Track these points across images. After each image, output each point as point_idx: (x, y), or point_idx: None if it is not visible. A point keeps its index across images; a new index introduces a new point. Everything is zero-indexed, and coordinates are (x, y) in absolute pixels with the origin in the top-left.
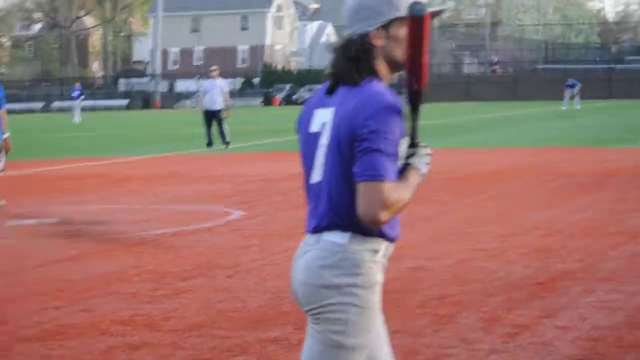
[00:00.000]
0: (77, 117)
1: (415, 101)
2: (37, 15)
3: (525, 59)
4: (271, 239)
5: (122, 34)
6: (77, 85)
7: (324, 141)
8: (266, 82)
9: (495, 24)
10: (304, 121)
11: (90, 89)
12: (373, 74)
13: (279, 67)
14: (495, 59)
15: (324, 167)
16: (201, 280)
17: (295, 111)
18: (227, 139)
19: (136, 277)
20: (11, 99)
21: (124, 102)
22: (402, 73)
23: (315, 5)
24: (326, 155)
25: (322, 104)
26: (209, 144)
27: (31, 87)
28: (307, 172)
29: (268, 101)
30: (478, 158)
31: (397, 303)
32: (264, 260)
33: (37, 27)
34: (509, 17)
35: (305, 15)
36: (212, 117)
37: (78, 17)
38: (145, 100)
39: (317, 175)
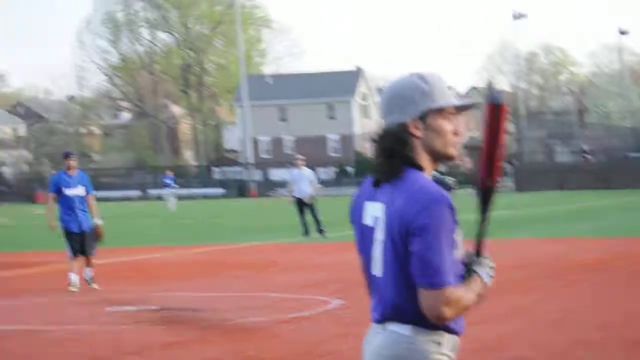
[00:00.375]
0: (172, 205)
1: (486, 199)
2: (125, 104)
3: (616, 146)
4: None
5: (211, 123)
6: (169, 173)
7: (379, 236)
8: (360, 170)
9: (581, 112)
10: (357, 212)
11: (185, 177)
12: (414, 166)
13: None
14: (585, 147)
15: (381, 262)
16: None
17: None
18: (322, 227)
19: None
20: (107, 186)
21: (220, 190)
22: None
23: None
24: (383, 252)
25: (372, 197)
26: (306, 232)
27: (126, 175)
28: (366, 263)
29: None
30: (574, 246)
31: None
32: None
33: (127, 116)
34: (595, 104)
35: None
36: (303, 205)
37: (165, 106)
38: (240, 189)
39: (376, 269)
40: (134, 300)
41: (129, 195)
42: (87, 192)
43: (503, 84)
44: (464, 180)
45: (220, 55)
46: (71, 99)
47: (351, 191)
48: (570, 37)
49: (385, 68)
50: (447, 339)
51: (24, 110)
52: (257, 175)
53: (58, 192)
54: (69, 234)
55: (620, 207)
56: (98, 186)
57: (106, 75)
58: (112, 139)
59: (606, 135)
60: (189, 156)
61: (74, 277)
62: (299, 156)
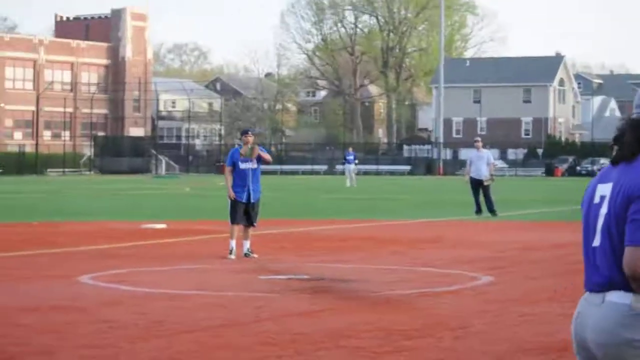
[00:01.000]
0: (351, 181)
1: None
2: (322, 82)
3: None
4: (510, 304)
5: (406, 103)
6: (351, 150)
7: (604, 210)
8: (549, 153)
9: None
10: (588, 195)
11: (375, 154)
12: None
13: (563, 139)
14: None
15: (602, 233)
16: (427, 340)
17: (575, 183)
18: (494, 207)
19: (366, 334)
20: (296, 160)
21: (407, 167)
22: None
23: (598, 81)
24: (605, 222)
25: (603, 180)
26: (478, 211)
27: (316, 150)
28: (587, 237)
29: (550, 172)
30: None
31: None
32: (495, 325)
33: (322, 93)
34: None
35: (588, 89)
36: (478, 185)
37: (362, 86)
38: (428, 167)
39: (597, 240)
40: (288, 270)
41: (317, 170)
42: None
43: None
44: None
45: (421, 39)
46: (268, 75)
47: (538, 172)
48: None
49: (586, 55)
50: None
51: (221, 86)
52: (446, 154)
53: (234, 165)
54: (236, 203)
55: None
56: (288, 160)
57: (306, 54)
58: (306, 116)
59: None
60: (381, 134)
61: (233, 244)
62: (478, 138)
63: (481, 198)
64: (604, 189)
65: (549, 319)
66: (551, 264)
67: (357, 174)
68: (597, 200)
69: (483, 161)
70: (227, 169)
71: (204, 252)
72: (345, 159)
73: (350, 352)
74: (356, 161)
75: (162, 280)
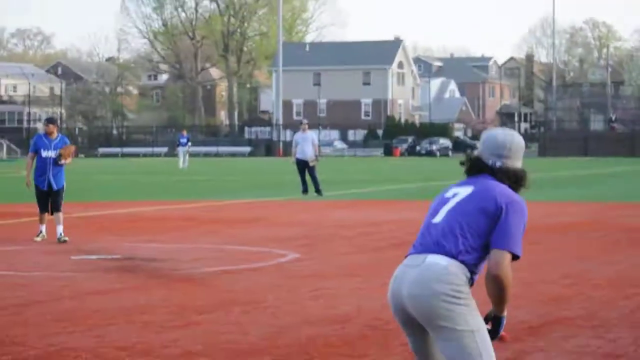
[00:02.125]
0: (183, 163)
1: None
2: (163, 66)
3: None
4: (308, 280)
5: (247, 86)
6: (184, 132)
7: (455, 200)
8: (389, 134)
9: (617, 84)
10: (442, 192)
11: (216, 136)
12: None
13: (402, 120)
14: (614, 116)
15: (447, 214)
16: (217, 315)
17: (412, 162)
18: (320, 187)
19: (160, 310)
20: (138, 143)
21: (248, 149)
22: None
23: (438, 64)
24: (453, 209)
25: (461, 185)
26: (304, 191)
27: (157, 133)
28: (431, 217)
29: (389, 152)
30: (557, 210)
31: (384, 339)
32: (288, 299)
33: (164, 77)
34: (631, 77)
35: (428, 72)
36: (304, 166)
37: (203, 69)
38: (267, 148)
39: (438, 219)
40: (101, 250)
41: (157, 152)
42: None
43: (541, 57)
44: None
45: (262, 23)
46: (109, 60)
47: (378, 152)
48: (617, 12)
49: (425, 39)
50: (470, 278)
51: (63, 70)
52: (286, 135)
53: (36, 152)
54: (38, 190)
55: (627, 174)
56: (129, 143)
57: (147, 39)
58: (148, 99)
59: (638, 106)
60: (223, 117)
61: (42, 229)
62: (304, 120)
63: (308, 178)
64: (460, 189)
65: (340, 293)
66: (361, 242)
67: (197, 155)
68: (449, 195)
69: (308, 142)
70: (30, 155)
71: (22, 235)
72: (179, 142)
73: (139, 326)
74: (189, 143)
75: None
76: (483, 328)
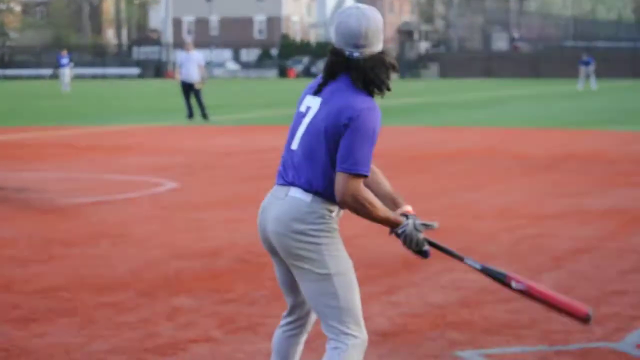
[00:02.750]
0: (66, 86)
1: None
2: None
3: (552, 35)
4: (183, 210)
5: (135, 2)
6: (64, 52)
7: (307, 120)
8: (284, 54)
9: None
10: (298, 103)
11: (103, 56)
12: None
13: (298, 39)
14: (517, 35)
15: (302, 139)
16: (83, 248)
17: (305, 84)
18: (206, 112)
19: (24, 243)
20: (20, 64)
21: (136, 70)
22: None
23: None
24: (306, 131)
25: (312, 93)
26: (189, 115)
27: (42, 54)
28: (290, 140)
29: (283, 73)
30: (452, 136)
31: (254, 274)
32: (159, 232)
33: None
34: None
35: None
36: (189, 89)
37: None
38: (157, 70)
39: (295, 144)
40: None
41: (42, 74)
42: None
43: None
44: None
45: None
46: None
47: (272, 73)
48: None
49: None
50: (336, 209)
51: None
52: (176, 56)
53: None
54: None
55: (528, 97)
56: (11, 64)
57: None
58: (31, 17)
59: (544, 24)
60: (110, 35)
61: None
62: (188, 40)
63: (194, 102)
64: (312, 102)
65: (214, 225)
66: (244, 170)
67: (83, 78)
68: (303, 109)
69: (193, 63)
70: None
71: None
72: (58, 63)
73: (1, 261)
74: (72, 64)
75: None
76: (344, 270)
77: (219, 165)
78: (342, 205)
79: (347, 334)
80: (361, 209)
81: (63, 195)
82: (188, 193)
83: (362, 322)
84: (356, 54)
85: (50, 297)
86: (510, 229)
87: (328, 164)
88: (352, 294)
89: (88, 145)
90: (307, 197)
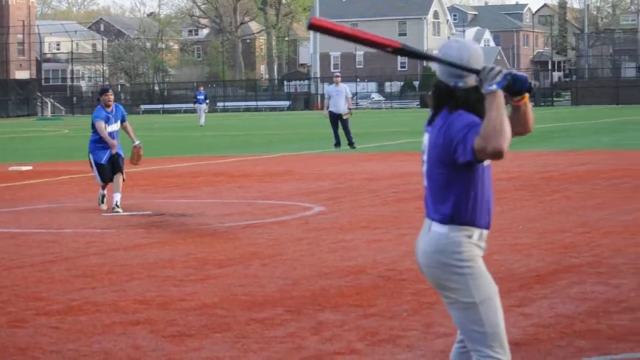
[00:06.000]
0: (202, 120)
1: (408, 52)
2: (204, 21)
3: None
4: (330, 232)
5: (286, 39)
6: (201, 89)
7: (424, 157)
8: (425, 85)
9: None
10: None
11: (256, 90)
12: None
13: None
14: None
15: (426, 176)
16: (236, 268)
17: None
18: (352, 140)
19: (181, 264)
20: (179, 99)
21: (286, 103)
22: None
23: (473, 12)
24: (427, 168)
25: (426, 130)
26: (337, 144)
27: (198, 89)
28: (424, 177)
29: (425, 103)
30: (583, 159)
31: (396, 290)
32: (306, 252)
33: (204, 32)
34: None
35: (463, 21)
36: (337, 119)
37: (243, 23)
38: (306, 102)
39: (424, 181)
40: (132, 206)
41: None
42: (123, 122)
43: (574, 3)
44: None
45: None
46: (150, 15)
47: (414, 104)
48: None
49: None
50: (476, 232)
51: (105, 27)
52: (324, 89)
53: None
54: (99, 165)
55: None
56: (170, 99)
57: None
58: (188, 55)
59: None
60: (263, 70)
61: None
62: (337, 73)
63: (341, 131)
64: (426, 137)
65: (358, 245)
66: (387, 194)
67: (237, 110)
68: (425, 142)
69: (341, 95)
70: (102, 124)
71: (59, 192)
72: (196, 99)
73: (160, 281)
74: (207, 100)
75: (9, 220)
76: (489, 296)
77: (364, 189)
78: (497, 153)
79: (492, 357)
80: (500, 132)
81: (217, 220)
82: (335, 216)
83: (506, 345)
84: (460, 84)
85: (205, 314)
86: (637, 244)
87: (451, 188)
88: (497, 319)
89: (239, 173)
90: (443, 229)
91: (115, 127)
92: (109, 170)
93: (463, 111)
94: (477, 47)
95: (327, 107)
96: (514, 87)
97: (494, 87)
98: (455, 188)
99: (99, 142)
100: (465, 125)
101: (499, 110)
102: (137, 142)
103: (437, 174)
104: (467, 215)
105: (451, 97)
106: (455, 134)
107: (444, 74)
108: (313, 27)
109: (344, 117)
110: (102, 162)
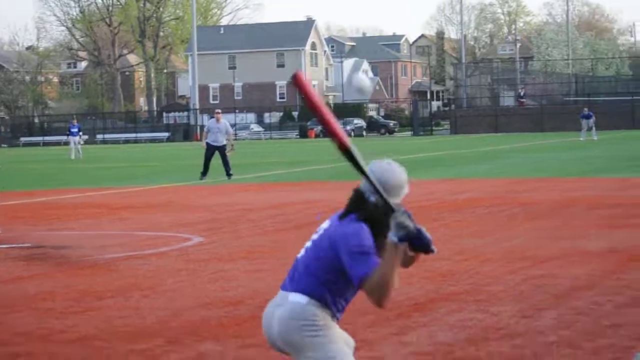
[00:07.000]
0: (74, 154)
1: (349, 156)
2: (82, 54)
3: (556, 92)
4: (209, 263)
5: (165, 71)
6: (75, 122)
7: (314, 236)
8: (305, 115)
9: (527, 59)
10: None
11: (136, 122)
12: None
13: None
14: (522, 92)
15: (306, 251)
16: (117, 300)
17: (327, 143)
18: (230, 171)
19: (62, 296)
20: (59, 131)
21: (166, 134)
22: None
23: (351, 43)
24: (311, 246)
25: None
26: (204, 174)
27: (78, 121)
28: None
29: (304, 134)
30: (462, 187)
31: None
32: (186, 283)
33: (83, 64)
34: (539, 52)
35: (341, 52)
36: (214, 151)
37: (121, 55)
38: (185, 133)
39: (300, 254)
40: (12, 239)
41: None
42: None
43: (451, 34)
44: None
45: (177, 7)
46: (29, 48)
47: (294, 134)
48: None
49: (336, 18)
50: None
51: None
52: (203, 119)
53: None
54: None
55: (533, 149)
56: (51, 131)
57: (65, 27)
58: (68, 87)
59: (547, 81)
60: (142, 102)
61: None
62: (218, 110)
63: (217, 162)
64: (325, 224)
65: (238, 276)
66: (265, 224)
67: (117, 142)
68: (318, 229)
69: (222, 132)
70: None
71: None
72: (69, 131)
73: (40, 313)
74: (81, 133)
75: None
76: (342, 354)
77: (243, 220)
78: (378, 306)
79: None
80: (384, 290)
81: (98, 251)
82: (214, 247)
83: None
84: (372, 199)
85: (86, 345)
86: (514, 271)
87: (324, 275)
88: None
89: (120, 205)
90: (303, 300)
91: None
92: None
93: (361, 226)
94: (400, 177)
95: (206, 139)
96: (414, 245)
97: (395, 239)
98: (330, 274)
99: None
100: (354, 248)
101: (391, 268)
102: None
103: (319, 257)
104: (327, 296)
105: (361, 206)
106: (344, 248)
107: (365, 184)
108: (294, 80)
109: (228, 154)
110: None
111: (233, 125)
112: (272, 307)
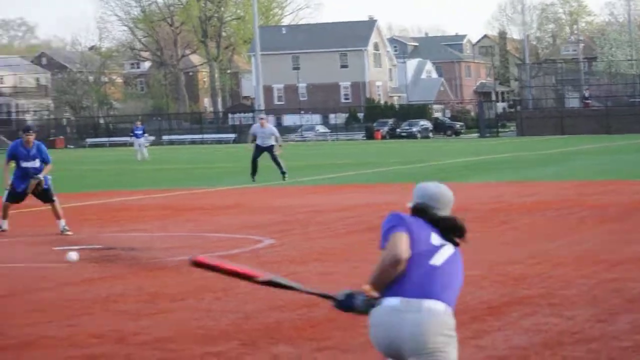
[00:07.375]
0: (140, 156)
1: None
2: (145, 54)
3: (620, 93)
4: (281, 265)
5: (228, 72)
6: (139, 124)
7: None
8: (369, 116)
9: (590, 60)
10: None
11: (200, 123)
12: None
13: (381, 102)
14: (587, 93)
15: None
16: (190, 302)
17: (393, 145)
18: (283, 169)
19: (134, 298)
20: (125, 132)
21: (232, 136)
22: None
23: (413, 44)
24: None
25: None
26: (253, 173)
27: (143, 122)
28: (427, 256)
29: (370, 135)
30: (530, 190)
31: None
32: (257, 285)
33: (146, 65)
34: (602, 52)
35: (404, 53)
36: (262, 151)
37: (184, 56)
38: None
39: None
40: (83, 241)
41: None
42: (45, 162)
43: (513, 34)
44: None
45: (239, 7)
46: (92, 48)
47: (360, 135)
48: None
49: (398, 18)
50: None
51: (47, 61)
52: (268, 121)
53: (14, 159)
54: (14, 191)
55: (599, 151)
56: (117, 132)
57: (127, 26)
58: (132, 88)
59: (612, 82)
60: (207, 103)
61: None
62: (262, 116)
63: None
64: (445, 246)
65: (310, 278)
66: (335, 226)
67: (183, 143)
68: (436, 243)
69: (267, 136)
70: (5, 163)
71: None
72: (133, 133)
73: (113, 315)
74: (146, 134)
75: None
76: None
77: (312, 222)
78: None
79: None
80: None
81: (168, 253)
82: (285, 249)
83: None
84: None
85: (159, 348)
86: (587, 275)
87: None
88: None
89: (188, 206)
90: (441, 307)
91: (33, 163)
92: (20, 196)
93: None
94: (451, 194)
95: (252, 141)
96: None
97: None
98: None
99: (21, 177)
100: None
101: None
102: (41, 177)
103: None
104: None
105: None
106: None
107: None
108: (195, 265)
109: (275, 153)
110: (18, 190)
111: (299, 127)
112: (395, 315)
